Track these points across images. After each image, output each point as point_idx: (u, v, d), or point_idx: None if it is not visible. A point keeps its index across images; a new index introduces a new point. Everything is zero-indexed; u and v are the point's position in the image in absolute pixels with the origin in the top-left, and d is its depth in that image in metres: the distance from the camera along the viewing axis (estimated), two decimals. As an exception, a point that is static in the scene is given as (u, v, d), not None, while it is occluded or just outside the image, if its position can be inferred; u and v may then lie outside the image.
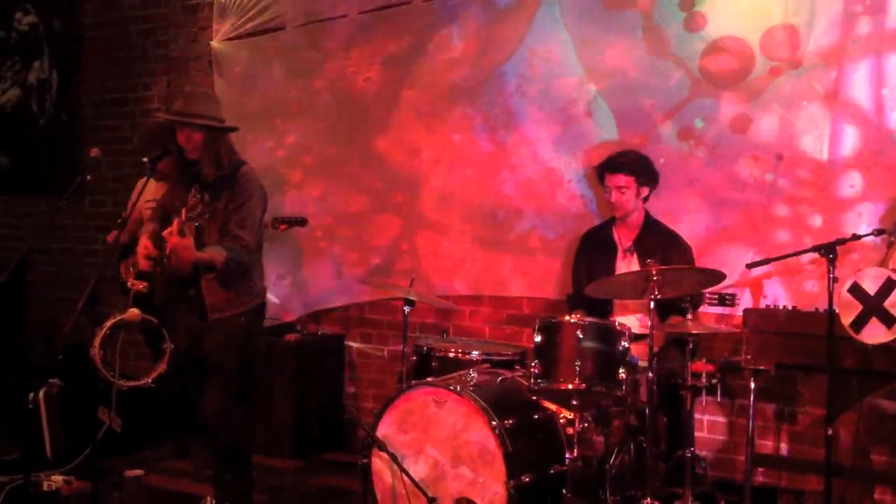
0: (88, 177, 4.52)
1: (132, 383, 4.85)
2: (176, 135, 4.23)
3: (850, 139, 4.46)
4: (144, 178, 5.56)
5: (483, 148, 5.44)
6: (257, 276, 4.32)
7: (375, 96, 5.79)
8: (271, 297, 5.48)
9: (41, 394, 5.38)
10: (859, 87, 4.43)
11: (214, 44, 6.30)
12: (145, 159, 4.84)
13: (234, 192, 4.16)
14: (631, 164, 4.57)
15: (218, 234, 4.14)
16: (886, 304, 3.48)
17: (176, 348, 4.36)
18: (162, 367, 4.91)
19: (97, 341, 4.69)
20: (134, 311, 4.87)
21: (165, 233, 3.93)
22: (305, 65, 6.02)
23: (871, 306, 3.52)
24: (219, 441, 4.26)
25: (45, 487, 4.81)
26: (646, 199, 4.68)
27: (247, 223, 4.15)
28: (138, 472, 4.73)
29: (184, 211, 3.93)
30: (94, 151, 5.03)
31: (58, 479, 4.87)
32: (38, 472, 4.89)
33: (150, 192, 5.65)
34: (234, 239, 4.11)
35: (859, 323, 3.56)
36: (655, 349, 4.02)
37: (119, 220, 5.43)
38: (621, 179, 4.57)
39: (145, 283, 5.41)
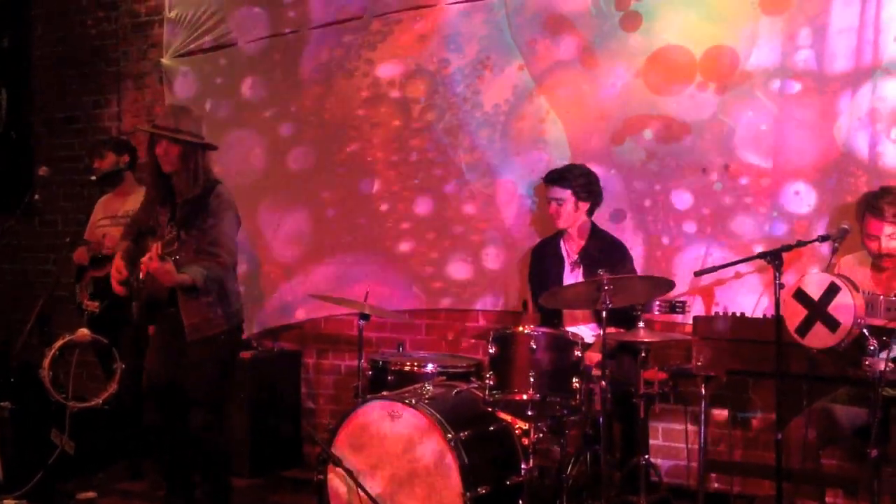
0: (36, 196, 4.47)
1: (83, 404, 4.80)
2: (153, 147, 4.26)
3: (796, 151, 4.55)
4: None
5: (436, 160, 5.46)
6: (234, 298, 4.34)
7: (327, 112, 5.79)
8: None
9: (-8, 417, 5.29)
10: (803, 99, 4.53)
11: (164, 60, 6.28)
12: (93, 178, 4.82)
13: (209, 213, 4.19)
14: (570, 178, 4.62)
15: (193, 255, 4.14)
16: (830, 308, 3.50)
17: (149, 368, 4.31)
18: (113, 388, 4.88)
19: (46, 362, 4.66)
20: (83, 332, 4.83)
21: (144, 259, 3.95)
22: (257, 81, 6.01)
23: (816, 311, 3.54)
24: (203, 454, 4.26)
25: (-4, 512, 4.75)
26: (590, 213, 4.72)
27: (222, 241, 4.19)
28: (91, 494, 4.67)
29: (160, 245, 3.90)
30: (43, 170, 4.99)
31: (10, 503, 4.79)
32: (-10, 497, 4.83)
33: (100, 210, 5.62)
34: (209, 256, 4.15)
35: (804, 328, 3.58)
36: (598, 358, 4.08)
37: (68, 241, 5.39)
38: (558, 192, 4.62)
39: (98, 304, 5.38)
